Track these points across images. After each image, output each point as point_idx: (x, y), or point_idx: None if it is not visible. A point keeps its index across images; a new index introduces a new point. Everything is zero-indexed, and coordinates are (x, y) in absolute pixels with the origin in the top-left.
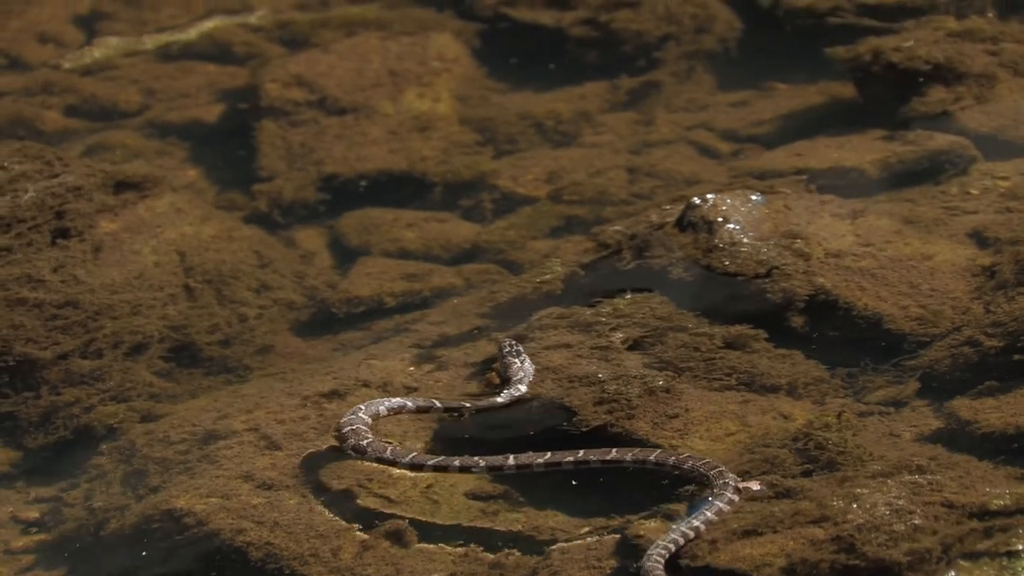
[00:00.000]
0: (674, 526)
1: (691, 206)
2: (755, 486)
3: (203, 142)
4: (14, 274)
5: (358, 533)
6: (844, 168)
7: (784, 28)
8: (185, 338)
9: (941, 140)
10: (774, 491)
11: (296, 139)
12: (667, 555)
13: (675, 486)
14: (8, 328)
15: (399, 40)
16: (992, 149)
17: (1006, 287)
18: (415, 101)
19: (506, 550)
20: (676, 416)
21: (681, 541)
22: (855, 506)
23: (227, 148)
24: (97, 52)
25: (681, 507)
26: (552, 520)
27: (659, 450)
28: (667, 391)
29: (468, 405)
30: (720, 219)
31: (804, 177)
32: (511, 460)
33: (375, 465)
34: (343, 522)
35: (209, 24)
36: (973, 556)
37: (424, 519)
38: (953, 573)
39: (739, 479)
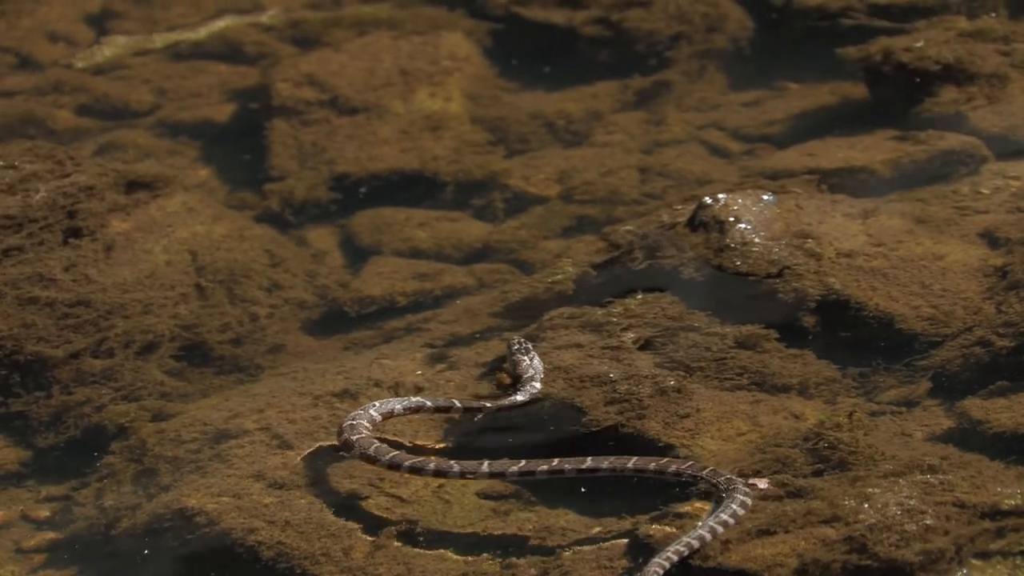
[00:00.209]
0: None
1: (702, 206)
2: (761, 484)
3: (214, 141)
4: (26, 273)
5: (369, 532)
6: (855, 168)
7: (795, 27)
8: (196, 337)
9: (952, 140)
10: (785, 491)
11: (307, 138)
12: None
13: (687, 486)
14: (20, 327)
15: (410, 39)
16: (1003, 149)
17: (1018, 287)
18: (426, 100)
19: (517, 550)
20: (687, 416)
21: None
22: (867, 506)
23: (238, 148)
24: (107, 50)
25: (691, 507)
26: (563, 520)
27: (636, 457)
28: (678, 391)
29: (489, 404)
30: (731, 219)
31: (816, 177)
32: (485, 466)
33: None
34: (354, 521)
35: (220, 23)
36: (985, 556)
37: (435, 519)
38: (965, 572)
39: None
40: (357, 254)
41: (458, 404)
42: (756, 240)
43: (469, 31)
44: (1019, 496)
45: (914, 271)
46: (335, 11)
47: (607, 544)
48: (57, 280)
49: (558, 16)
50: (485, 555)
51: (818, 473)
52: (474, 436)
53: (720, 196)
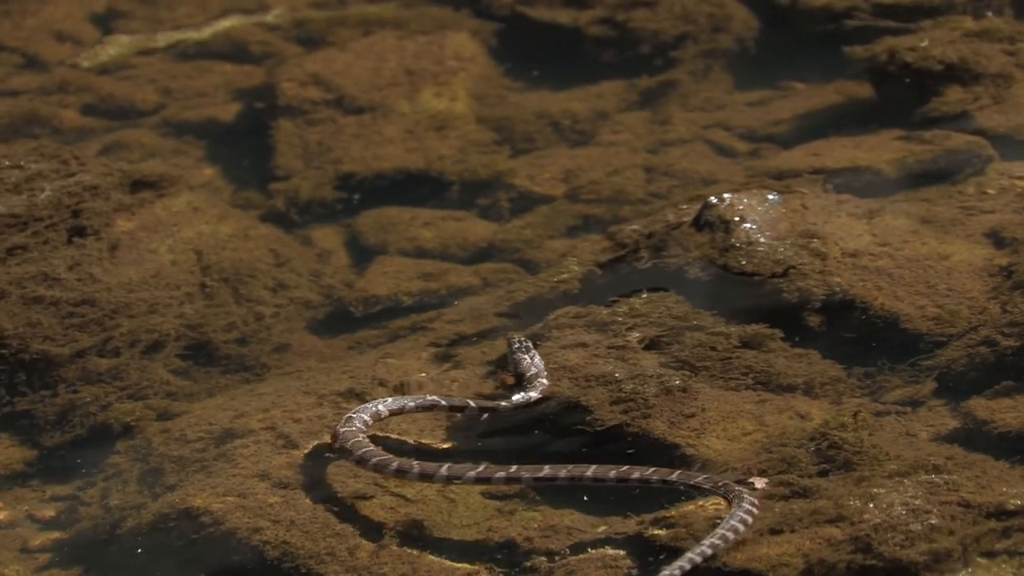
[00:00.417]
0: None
1: (708, 205)
2: (759, 483)
3: (220, 141)
4: (31, 272)
5: (374, 532)
6: (861, 168)
7: (801, 27)
8: (202, 336)
9: (958, 140)
10: (790, 491)
11: (313, 138)
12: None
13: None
14: (25, 326)
15: (416, 39)
16: (1009, 149)
17: (1023, 287)
18: (432, 100)
19: (522, 549)
20: (692, 415)
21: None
22: (872, 506)
23: (244, 147)
24: (112, 50)
25: (693, 507)
26: (568, 519)
27: (596, 465)
28: (684, 390)
29: (504, 404)
30: (737, 218)
31: (821, 176)
32: (443, 470)
33: None
34: (360, 521)
35: (225, 23)
36: (991, 555)
37: (441, 518)
38: (970, 571)
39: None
40: (362, 254)
41: (473, 404)
42: (761, 240)
43: (474, 31)
44: None
45: (919, 271)
46: (340, 11)
47: (612, 544)
48: (62, 279)
49: (563, 16)
50: (490, 555)
51: (823, 473)
52: (478, 438)
53: (725, 196)
